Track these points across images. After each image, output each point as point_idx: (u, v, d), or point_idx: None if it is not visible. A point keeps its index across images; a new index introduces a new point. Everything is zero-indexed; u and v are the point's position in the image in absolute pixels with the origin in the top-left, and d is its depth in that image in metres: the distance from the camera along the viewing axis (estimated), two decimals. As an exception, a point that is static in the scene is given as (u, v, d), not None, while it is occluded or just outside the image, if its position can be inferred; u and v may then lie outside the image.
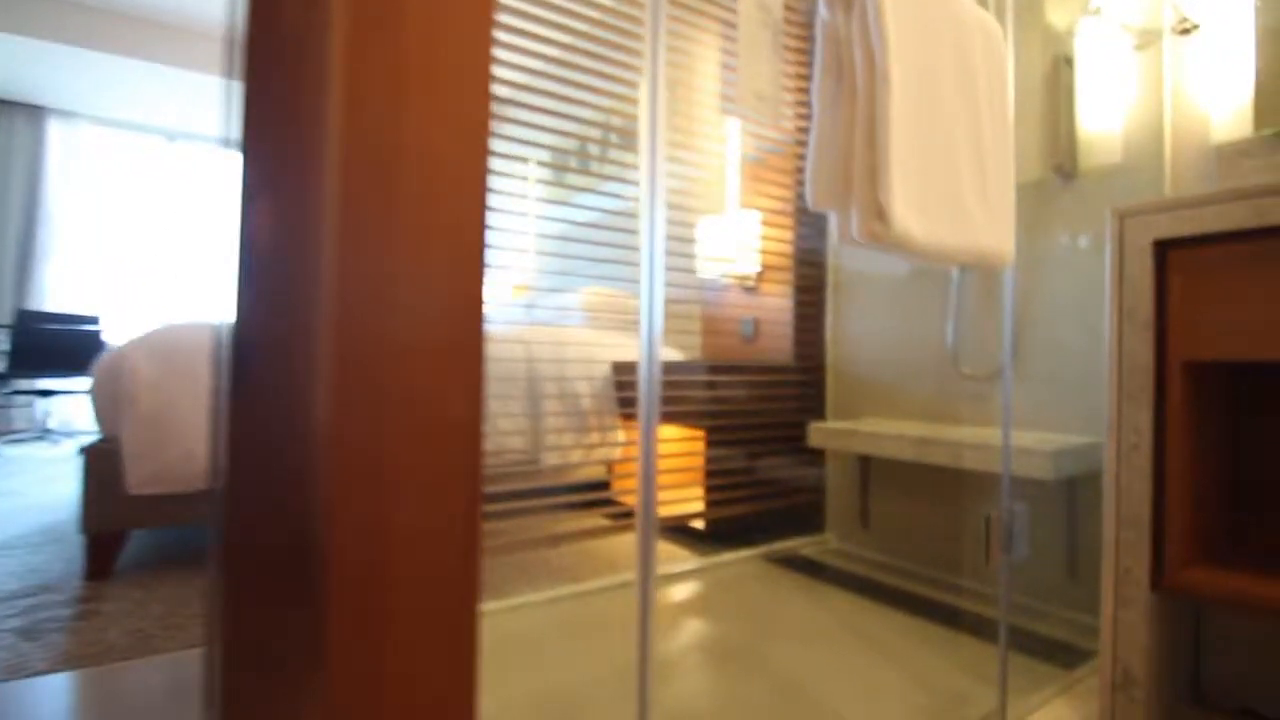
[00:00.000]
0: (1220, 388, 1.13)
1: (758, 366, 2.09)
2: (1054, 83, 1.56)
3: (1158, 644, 1.04)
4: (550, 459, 2.20)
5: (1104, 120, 1.48)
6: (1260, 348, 0.91)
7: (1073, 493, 1.49)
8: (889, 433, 1.65)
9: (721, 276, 2.38)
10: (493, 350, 2.14)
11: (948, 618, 1.50)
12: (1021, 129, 1.62)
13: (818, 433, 1.85)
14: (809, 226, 2.13)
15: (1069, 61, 1.54)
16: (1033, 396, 1.58)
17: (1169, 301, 1.00)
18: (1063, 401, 1.53)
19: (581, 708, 1.12)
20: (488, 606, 1.53)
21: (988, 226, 0.94)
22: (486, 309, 0.42)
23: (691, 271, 2.44)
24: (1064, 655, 1.32)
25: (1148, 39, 1.41)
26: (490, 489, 1.97)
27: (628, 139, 2.81)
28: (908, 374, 1.87)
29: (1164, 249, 1.00)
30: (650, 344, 0.69)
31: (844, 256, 2.06)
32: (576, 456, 2.25)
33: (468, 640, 0.41)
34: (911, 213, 0.78)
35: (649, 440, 0.68)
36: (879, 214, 0.74)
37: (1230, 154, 1.25)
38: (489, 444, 2.07)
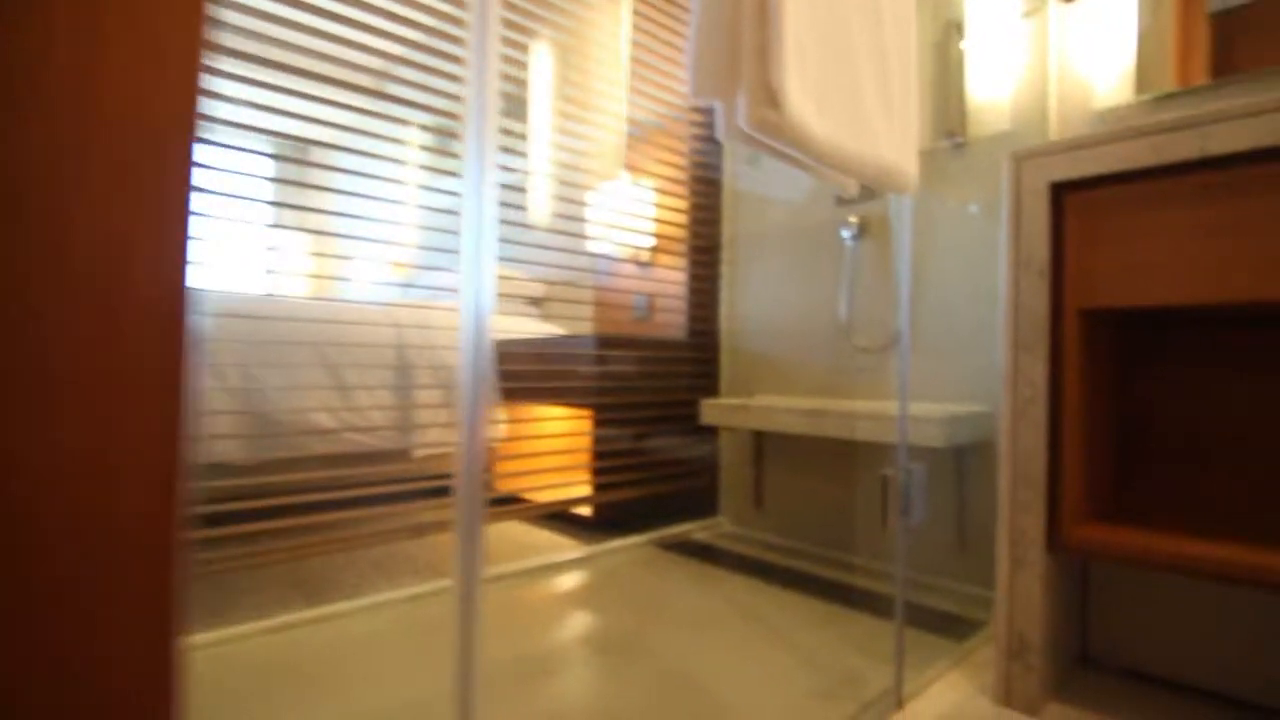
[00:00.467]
0: (1112, 338, 1.12)
1: (649, 342, 1.98)
2: (945, 49, 1.55)
3: (1052, 608, 1.00)
4: (420, 445, 1.98)
5: (993, 87, 1.47)
6: (1155, 292, 0.88)
7: (962, 463, 1.46)
8: (782, 406, 1.57)
9: (613, 251, 2.25)
10: (359, 332, 1.90)
11: (843, 596, 1.44)
12: (923, 89, 1.59)
13: (710, 409, 1.75)
14: (705, 198, 2.04)
15: (959, 28, 1.52)
16: (926, 367, 1.55)
17: (1065, 247, 0.95)
18: (956, 372, 1.50)
19: None
20: (332, 609, 1.32)
21: (890, 138, 0.85)
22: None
23: (580, 246, 2.30)
24: (956, 627, 1.28)
25: (1035, 6, 1.41)
26: (347, 477, 1.73)
27: (517, 108, 2.63)
28: (803, 348, 1.81)
29: (1061, 193, 0.96)
30: (477, 319, 0.55)
31: (740, 226, 1.98)
32: (450, 445, 2.04)
33: (160, 671, 0.33)
34: (809, 103, 0.67)
35: (474, 422, 0.54)
36: (770, 98, 0.63)
37: (1112, 119, 1.26)
38: (350, 430, 1.83)
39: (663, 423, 1.97)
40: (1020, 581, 0.97)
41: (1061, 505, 0.95)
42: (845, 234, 1.70)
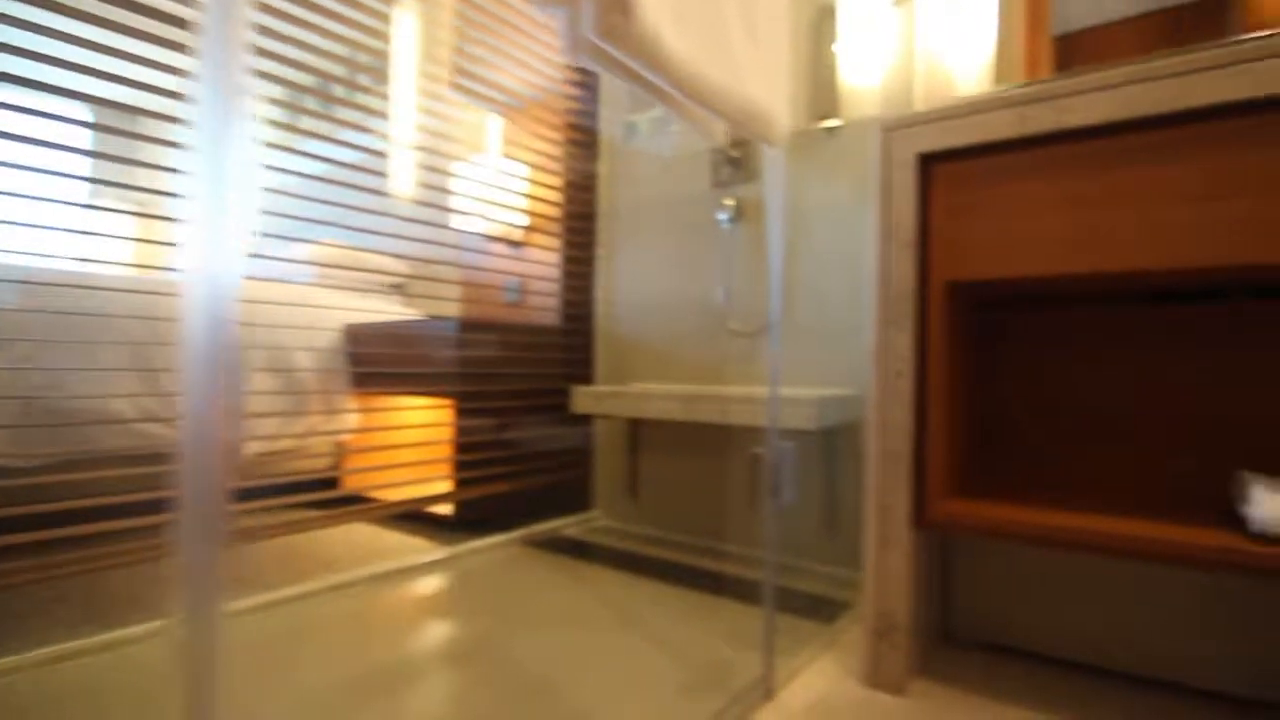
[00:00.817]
0: (977, 316, 1.14)
1: (520, 327, 1.85)
2: (819, 33, 1.55)
3: (918, 585, 0.99)
4: (252, 445, 1.74)
5: (864, 74, 1.49)
6: (1017, 263, 0.88)
7: (834, 446, 1.46)
8: (656, 393, 1.51)
9: (483, 231, 2.10)
10: (166, 308, 1.63)
11: (717, 585, 1.39)
12: (793, 72, 1.58)
13: (582, 397, 1.66)
14: (580, 177, 1.95)
15: (832, 12, 1.53)
16: (800, 351, 1.54)
17: (932, 219, 0.95)
18: (829, 355, 1.50)
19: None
20: (125, 633, 1.09)
21: (756, 74, 0.79)
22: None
23: (447, 225, 2.13)
24: (826, 609, 1.26)
25: (901, -5, 1.44)
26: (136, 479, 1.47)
27: (378, 77, 2.42)
28: (681, 334, 1.76)
29: (929, 164, 0.95)
30: (213, 291, 0.41)
31: (617, 207, 1.90)
32: (289, 441, 1.81)
33: None
34: (664, 15, 0.60)
35: (202, 417, 0.41)
36: (620, 3, 0.54)
37: (969, 107, 1.29)
38: (152, 421, 1.56)
39: (532, 413, 1.85)
40: (887, 560, 0.95)
41: (927, 481, 0.94)
42: (721, 216, 1.67)
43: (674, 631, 1.15)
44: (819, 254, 1.52)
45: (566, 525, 1.85)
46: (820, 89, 1.54)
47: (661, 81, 0.64)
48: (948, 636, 1.15)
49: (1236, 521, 0.83)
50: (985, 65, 1.30)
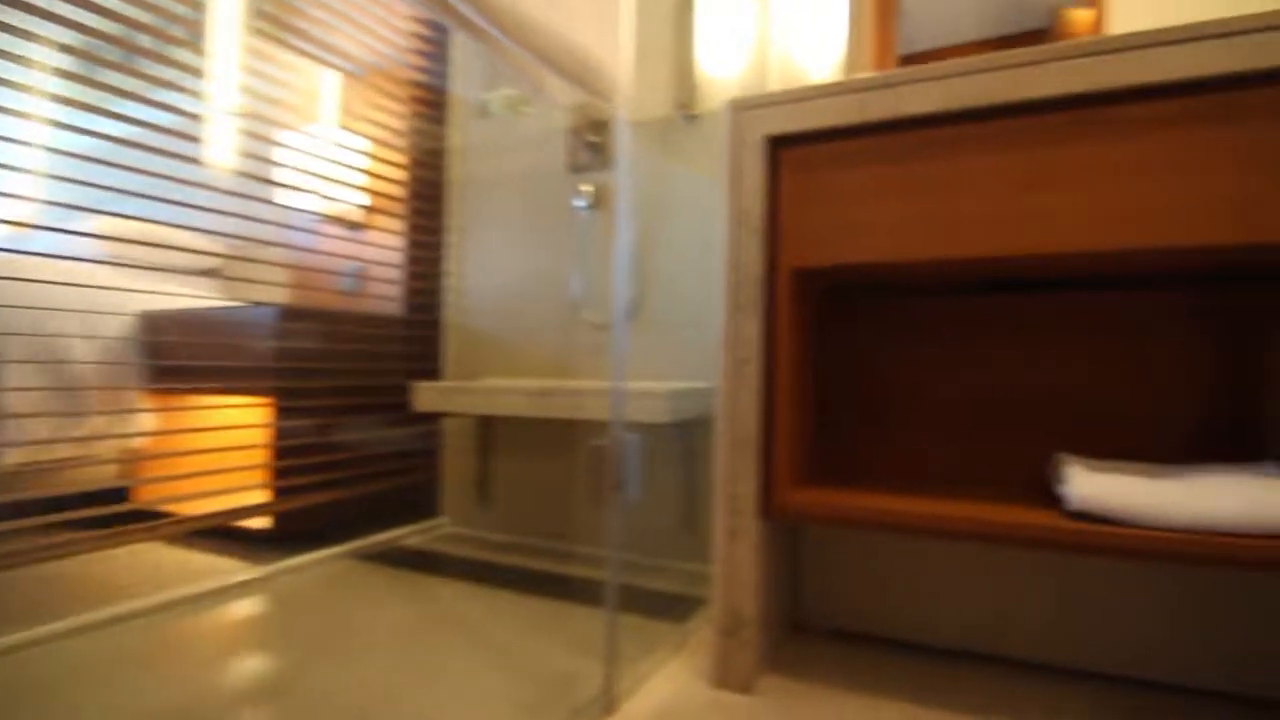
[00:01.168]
0: (825, 303, 1.14)
1: (355, 317, 1.67)
2: (679, 21, 1.52)
3: (767, 578, 0.96)
4: (11, 452, 1.44)
5: (723, 64, 1.48)
6: (859, 250, 0.87)
7: (689, 440, 1.43)
8: (506, 387, 1.40)
9: (315, 210, 1.89)
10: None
11: (568, 591, 1.31)
12: (649, 63, 1.54)
13: (425, 394, 1.52)
14: (429, 155, 1.80)
15: (691, 2, 1.50)
16: (660, 344, 1.49)
17: (780, 204, 0.92)
18: (689, 348, 1.47)
19: None
20: None
21: (587, 20, 0.72)
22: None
23: (270, 201, 1.90)
24: (681, 608, 1.22)
25: (755, -12, 1.44)
26: None
27: (194, 29, 2.12)
28: (535, 326, 1.66)
29: (777, 148, 0.93)
30: None
31: (469, 190, 1.78)
32: (65, 447, 1.52)
33: None
34: None
35: None
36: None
37: (818, 102, 1.31)
38: None
39: (368, 412, 1.68)
40: (736, 553, 0.92)
41: (775, 469, 0.91)
42: (578, 204, 1.60)
43: (518, 644, 1.06)
44: (679, 245, 1.49)
45: (408, 535, 1.69)
46: (681, 78, 1.51)
47: (484, 23, 0.55)
48: (799, 626, 1.15)
49: (1057, 501, 0.87)
50: (838, 57, 1.32)
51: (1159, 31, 0.74)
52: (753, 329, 0.92)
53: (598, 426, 1.54)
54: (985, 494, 0.93)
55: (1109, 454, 0.99)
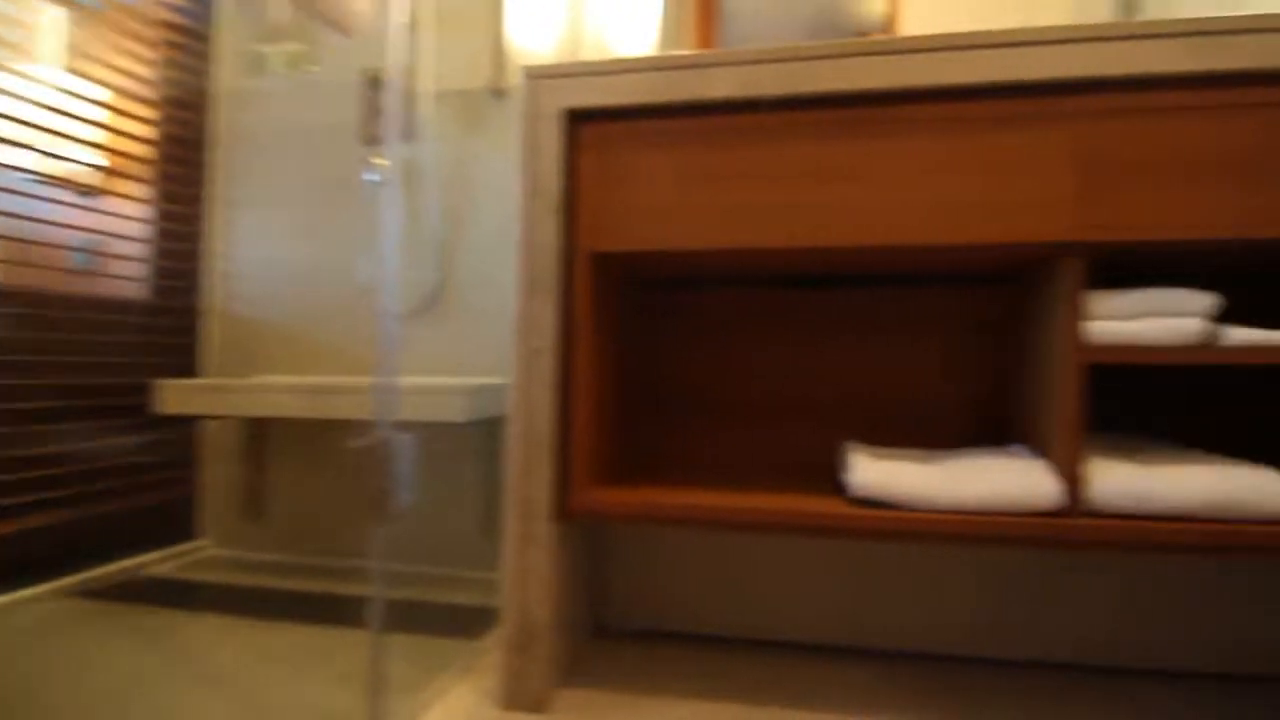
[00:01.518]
0: (633, 292, 1.10)
1: (84, 301, 1.37)
2: (484, -9, 1.42)
3: (564, 584, 0.90)
4: None
5: (534, 37, 1.40)
6: (664, 236, 0.84)
7: (493, 439, 1.34)
8: (277, 385, 1.21)
9: (32, 170, 1.53)
10: None
11: (346, 615, 1.15)
12: (456, 33, 1.42)
13: (172, 393, 1.27)
14: (186, 111, 1.53)
15: (498, -29, 1.41)
16: (459, 336, 1.38)
17: (581, 182, 0.86)
18: (491, 340, 1.37)
19: None
20: None
21: None
22: None
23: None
24: (477, 622, 1.12)
25: (567, -35, 1.38)
26: None
27: None
28: (323, 315, 1.47)
29: (577, 123, 0.87)
30: None
31: (238, 160, 1.53)
32: None
33: None
34: None
35: None
36: None
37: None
38: None
39: (99, 417, 1.38)
40: (529, 559, 0.84)
41: (572, 468, 0.85)
42: (373, 178, 1.43)
43: (275, 684, 0.90)
44: (487, 229, 1.39)
45: (155, 562, 1.42)
46: (491, 52, 1.41)
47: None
48: (605, 630, 1.09)
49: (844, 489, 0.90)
50: (652, 37, 1.30)
51: (947, 36, 0.78)
52: (548, 316, 0.85)
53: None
54: (786, 485, 0.94)
55: (896, 442, 1.05)
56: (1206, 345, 0.76)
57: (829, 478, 0.99)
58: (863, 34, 1.24)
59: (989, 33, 0.77)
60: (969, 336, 1.04)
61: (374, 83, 1.46)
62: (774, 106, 0.82)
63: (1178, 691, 0.91)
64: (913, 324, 1.06)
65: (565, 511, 0.85)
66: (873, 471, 0.81)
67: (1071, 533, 0.75)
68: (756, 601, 1.06)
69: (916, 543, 0.81)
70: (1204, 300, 0.76)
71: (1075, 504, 0.76)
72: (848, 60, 0.79)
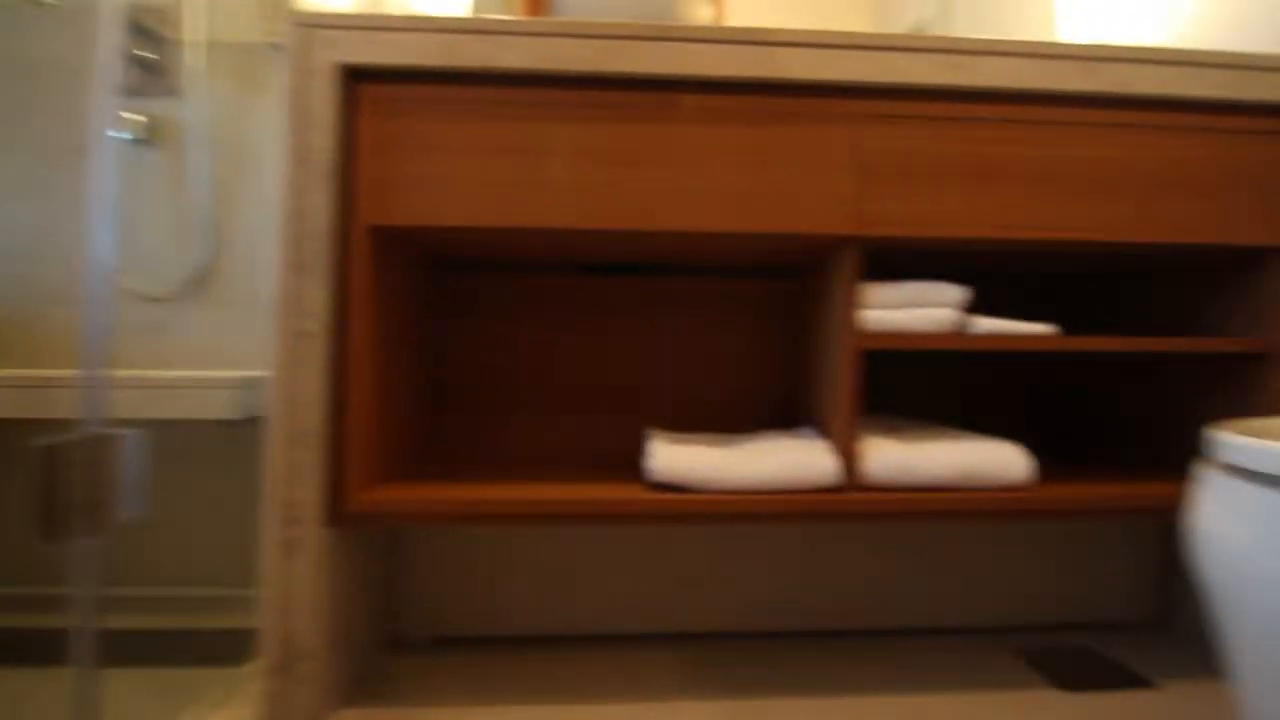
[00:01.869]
0: (436, 271, 1.02)
1: None
2: (266, -68, 1.26)
3: (337, 596, 0.80)
4: None
5: (321, -5, 1.26)
6: (456, 212, 0.77)
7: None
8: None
9: None
10: None
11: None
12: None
13: None
14: None
15: (284, -87, 1.25)
16: (234, 324, 1.21)
17: (359, 149, 0.78)
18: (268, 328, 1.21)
19: None
20: None
21: None
22: None
23: None
24: (242, 647, 0.98)
25: (365, -82, 1.26)
26: None
27: None
28: (54, 298, 1.22)
29: (356, 82, 0.78)
30: None
31: (-66, 103, 1.23)
32: None
33: None
34: None
35: None
36: None
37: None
38: None
39: None
40: (292, 571, 0.74)
41: (348, 465, 0.76)
42: (120, 137, 1.22)
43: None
44: (268, 202, 1.23)
45: None
46: (274, 2, 1.25)
47: None
48: (399, 641, 1.01)
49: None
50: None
51: (740, 30, 0.79)
52: (318, 295, 0.75)
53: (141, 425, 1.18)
54: (593, 475, 0.92)
55: (701, 428, 1.06)
56: (959, 333, 0.84)
57: (636, 466, 0.99)
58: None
59: (778, 31, 0.79)
60: (767, 326, 1.09)
61: (130, 23, 1.24)
62: (571, 83, 0.78)
63: (931, 644, 1.00)
64: (715, 314, 1.08)
65: (340, 514, 0.76)
66: (670, 456, 0.81)
67: (847, 506, 0.80)
68: (568, 597, 1.03)
69: (711, 524, 0.83)
70: (957, 293, 0.84)
71: (852, 479, 0.81)
72: (642, 44, 0.78)
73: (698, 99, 0.79)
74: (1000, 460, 0.82)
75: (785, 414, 1.09)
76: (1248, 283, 0.90)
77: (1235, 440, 0.40)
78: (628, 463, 0.98)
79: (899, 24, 1.43)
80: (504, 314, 1.06)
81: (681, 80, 0.79)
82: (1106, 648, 1.00)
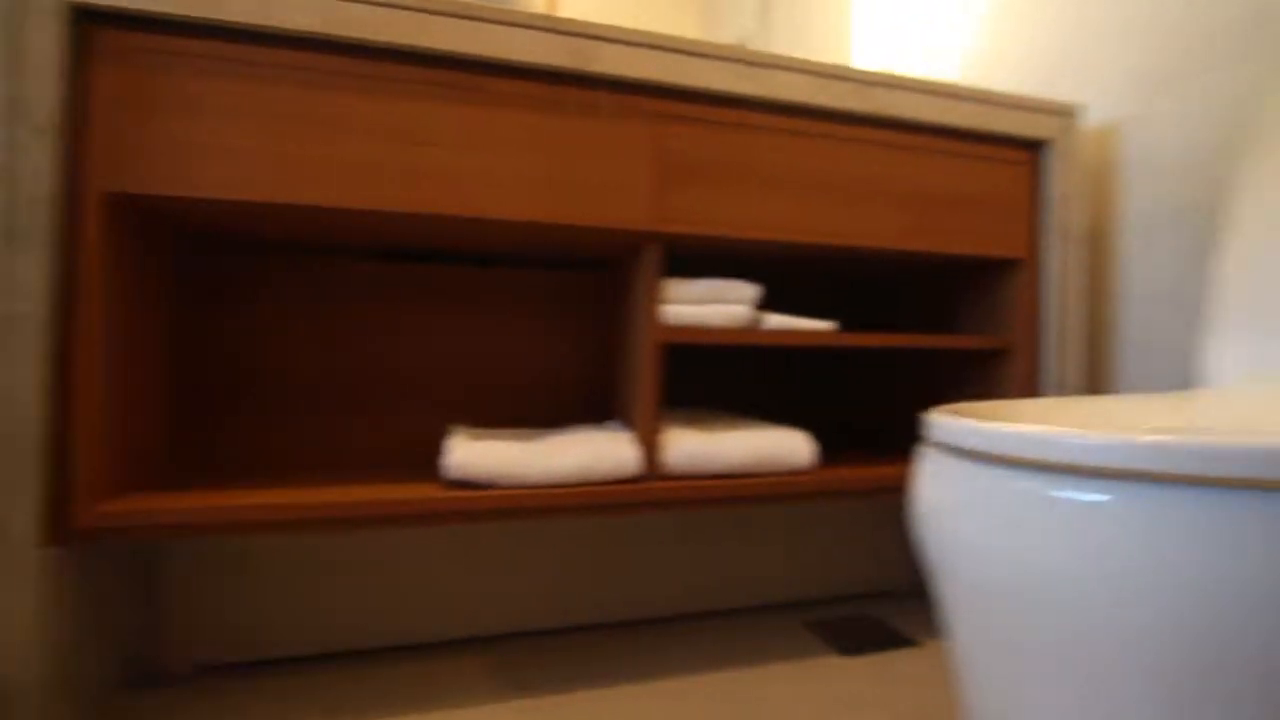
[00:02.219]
0: (198, 250, 0.90)
1: None
2: None
3: (69, 625, 0.69)
4: None
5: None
6: (219, 184, 0.69)
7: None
8: None
9: None
10: None
11: None
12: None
13: None
14: None
15: None
16: None
17: (93, 103, 0.67)
18: None
19: None
20: None
21: None
22: None
23: None
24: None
25: None
26: None
27: None
28: None
29: (90, 24, 0.67)
30: None
31: None
32: None
33: None
34: None
35: None
36: None
37: None
38: None
39: None
40: (1, 600, 0.62)
41: (77, 474, 0.65)
42: None
43: None
44: None
45: None
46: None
47: None
48: (157, 673, 0.88)
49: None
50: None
51: (538, 16, 0.77)
52: (33, 270, 0.64)
53: None
54: (388, 475, 0.86)
55: (509, 423, 1.04)
56: (752, 328, 0.89)
57: (436, 466, 0.94)
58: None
59: (588, 23, 0.79)
60: (577, 319, 1.09)
61: None
62: (367, 54, 0.73)
63: (727, 624, 1.06)
64: (523, 306, 1.06)
65: (65, 531, 0.65)
66: (468, 453, 0.78)
67: (648, 495, 0.82)
68: (359, 609, 0.96)
69: (511, 520, 0.81)
70: (751, 290, 0.89)
71: (653, 470, 0.83)
72: (447, 20, 0.74)
73: (504, 83, 0.77)
74: (787, 447, 0.88)
75: (599, 408, 1.09)
76: (993, 289, 1.04)
77: (940, 420, 0.46)
78: (427, 462, 0.93)
79: (723, 35, 1.49)
80: (292, 303, 0.96)
81: (489, 63, 0.76)
82: (881, 614, 1.12)
